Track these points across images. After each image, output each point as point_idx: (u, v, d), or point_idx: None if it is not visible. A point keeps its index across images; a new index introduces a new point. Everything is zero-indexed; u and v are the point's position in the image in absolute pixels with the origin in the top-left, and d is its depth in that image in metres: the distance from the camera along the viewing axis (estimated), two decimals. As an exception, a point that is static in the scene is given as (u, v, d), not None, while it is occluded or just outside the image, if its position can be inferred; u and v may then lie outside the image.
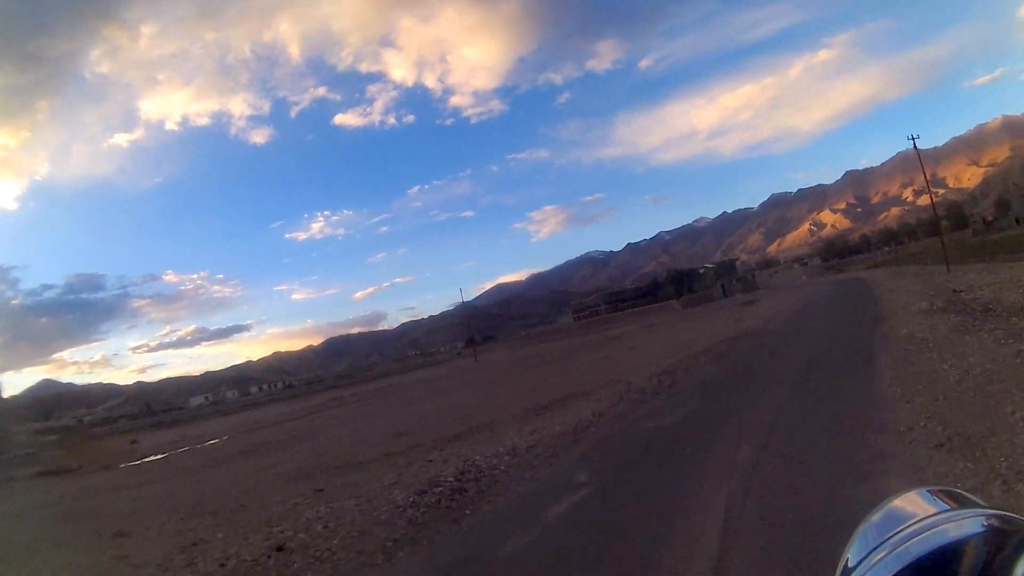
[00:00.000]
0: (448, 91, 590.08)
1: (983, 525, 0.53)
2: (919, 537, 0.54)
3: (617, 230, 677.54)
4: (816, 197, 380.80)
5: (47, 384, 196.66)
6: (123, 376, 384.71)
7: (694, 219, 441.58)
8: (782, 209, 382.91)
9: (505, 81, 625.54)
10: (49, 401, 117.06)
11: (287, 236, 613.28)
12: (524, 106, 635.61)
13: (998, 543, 0.50)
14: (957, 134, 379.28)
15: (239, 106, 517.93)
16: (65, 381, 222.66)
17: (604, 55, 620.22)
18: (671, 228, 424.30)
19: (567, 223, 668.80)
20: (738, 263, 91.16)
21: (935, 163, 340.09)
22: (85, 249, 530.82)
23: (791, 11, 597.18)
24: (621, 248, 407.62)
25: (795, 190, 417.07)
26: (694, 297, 66.13)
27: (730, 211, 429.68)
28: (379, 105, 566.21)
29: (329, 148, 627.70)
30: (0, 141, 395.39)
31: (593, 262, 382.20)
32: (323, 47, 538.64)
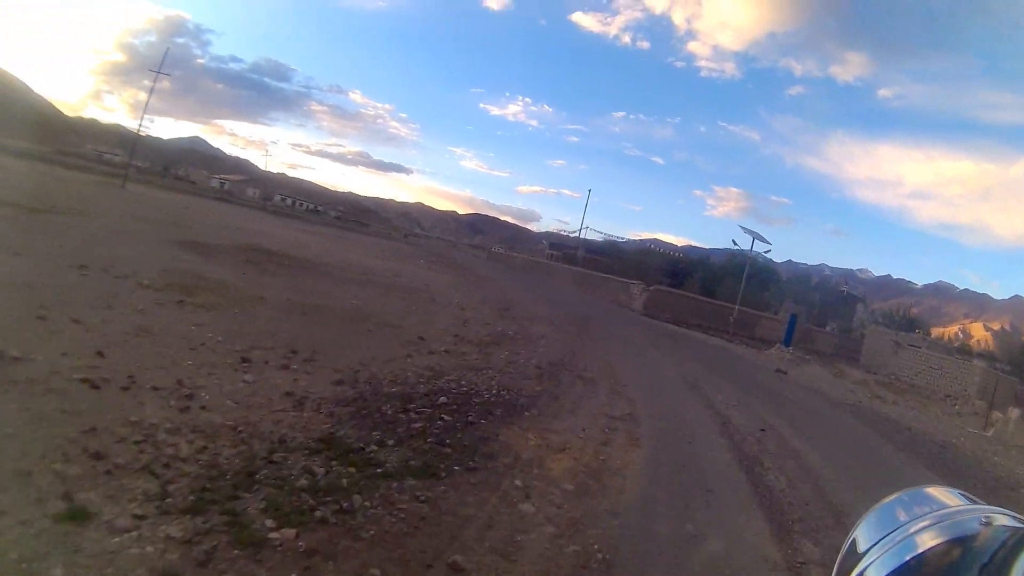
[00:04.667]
0: (690, 35, 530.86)
1: (984, 523, 0.55)
2: (922, 533, 0.56)
3: (785, 241, 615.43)
4: (976, 305, 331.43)
5: (196, 141, 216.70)
6: (272, 164, 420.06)
7: (858, 267, 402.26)
8: (942, 300, 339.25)
9: (748, 49, 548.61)
10: (182, 155, 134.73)
11: (481, 105, 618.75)
12: (755, 81, 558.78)
13: (999, 541, 0.52)
14: None
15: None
16: (216, 146, 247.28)
17: (850, 66, 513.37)
18: (834, 265, 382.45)
19: (744, 212, 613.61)
20: (861, 306, 51.99)
21: None
22: (286, 39, 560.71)
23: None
24: (783, 260, 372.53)
25: (962, 287, 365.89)
26: (699, 307, 32.10)
27: (894, 276, 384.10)
28: (620, 20, 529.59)
29: (555, 40, 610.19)
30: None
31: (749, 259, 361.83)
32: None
